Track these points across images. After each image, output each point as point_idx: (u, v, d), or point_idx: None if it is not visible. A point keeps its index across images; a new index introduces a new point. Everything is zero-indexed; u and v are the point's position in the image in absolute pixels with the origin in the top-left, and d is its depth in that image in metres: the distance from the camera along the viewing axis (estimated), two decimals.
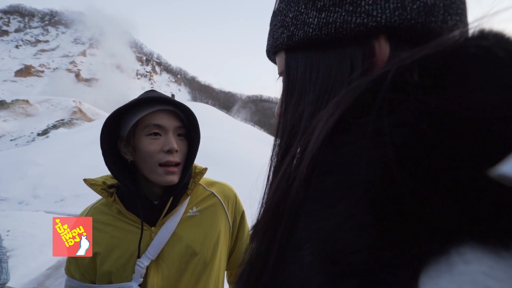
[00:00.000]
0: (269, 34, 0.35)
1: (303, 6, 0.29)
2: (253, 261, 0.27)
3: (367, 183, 0.17)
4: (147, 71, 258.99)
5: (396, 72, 0.20)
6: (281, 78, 0.35)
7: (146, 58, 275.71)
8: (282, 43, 0.31)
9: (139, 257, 0.65)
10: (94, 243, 0.65)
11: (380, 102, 0.19)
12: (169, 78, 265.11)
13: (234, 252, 0.81)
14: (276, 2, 0.34)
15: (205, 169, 0.77)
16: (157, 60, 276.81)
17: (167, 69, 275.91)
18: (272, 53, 0.35)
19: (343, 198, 0.18)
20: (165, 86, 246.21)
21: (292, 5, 0.30)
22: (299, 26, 0.29)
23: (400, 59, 0.21)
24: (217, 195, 0.78)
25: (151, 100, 0.65)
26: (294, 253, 0.21)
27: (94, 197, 0.71)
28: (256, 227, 0.28)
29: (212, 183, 0.82)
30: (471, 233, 0.14)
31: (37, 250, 3.59)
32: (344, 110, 0.22)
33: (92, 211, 0.71)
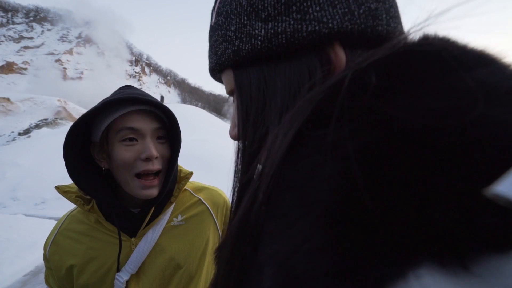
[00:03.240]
0: (210, 51, 0.32)
1: (245, 18, 0.27)
2: (216, 283, 0.25)
3: (324, 201, 0.16)
4: (136, 72, 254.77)
5: (352, 77, 0.19)
6: (231, 98, 0.32)
7: (136, 59, 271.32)
8: (228, 60, 0.29)
9: (118, 270, 0.59)
10: (70, 254, 0.60)
11: (339, 111, 0.18)
12: (158, 79, 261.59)
13: None
14: (212, 16, 0.32)
15: (191, 173, 0.70)
16: (147, 61, 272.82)
17: (157, 70, 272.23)
18: (216, 71, 0.32)
19: (301, 218, 0.17)
20: (155, 88, 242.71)
21: (233, 17, 0.28)
22: (244, 39, 0.27)
23: (356, 63, 0.20)
24: (204, 202, 0.71)
25: (124, 101, 0.56)
26: (255, 276, 0.20)
27: None
28: (220, 247, 0.26)
29: (200, 188, 0.74)
30: (428, 254, 0.13)
31: (14, 255, 3.40)
32: (302, 123, 0.21)
33: (69, 220, 0.66)
